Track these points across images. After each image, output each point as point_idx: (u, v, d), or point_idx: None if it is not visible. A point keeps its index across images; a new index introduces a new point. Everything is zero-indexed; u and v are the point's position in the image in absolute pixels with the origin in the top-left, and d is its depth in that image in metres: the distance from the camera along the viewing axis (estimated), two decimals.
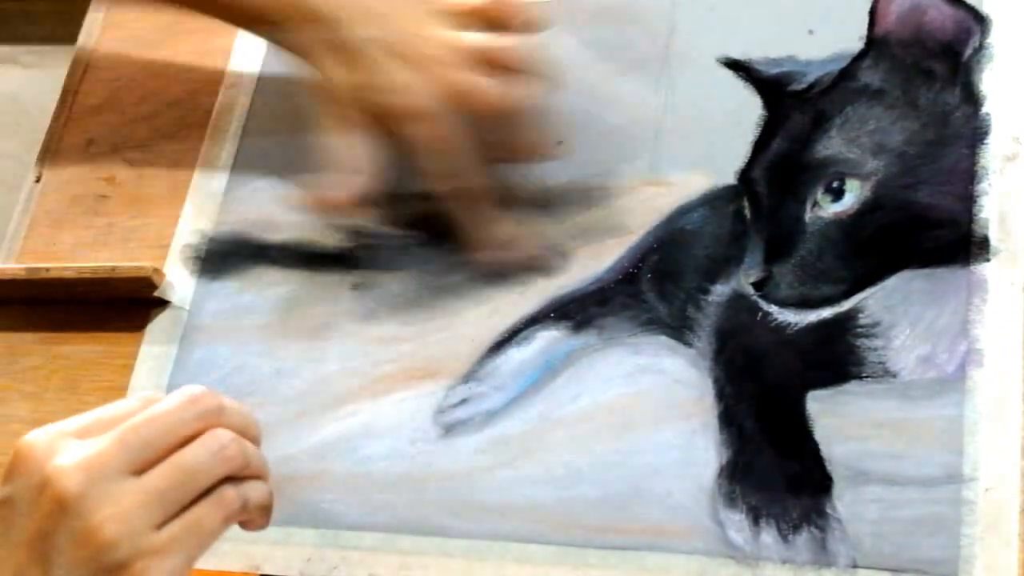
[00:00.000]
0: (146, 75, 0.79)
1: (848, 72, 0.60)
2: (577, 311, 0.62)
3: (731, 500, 0.55)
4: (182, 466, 0.48)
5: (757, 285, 0.58)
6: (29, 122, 0.85)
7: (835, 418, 0.54)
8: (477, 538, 0.58)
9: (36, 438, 0.48)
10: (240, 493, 0.50)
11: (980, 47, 0.58)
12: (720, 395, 0.57)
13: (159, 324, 0.69)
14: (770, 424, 0.56)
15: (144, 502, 0.47)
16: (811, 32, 0.63)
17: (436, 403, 0.62)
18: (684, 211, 0.62)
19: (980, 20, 0.59)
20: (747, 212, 0.60)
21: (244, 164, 0.73)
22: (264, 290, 0.69)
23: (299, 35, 0.66)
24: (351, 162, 0.63)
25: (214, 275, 0.70)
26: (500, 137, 0.63)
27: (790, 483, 0.54)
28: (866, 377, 0.55)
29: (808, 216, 0.58)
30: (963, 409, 0.53)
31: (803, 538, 0.53)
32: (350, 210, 0.65)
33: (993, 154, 0.56)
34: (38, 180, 0.79)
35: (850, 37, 0.61)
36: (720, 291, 0.59)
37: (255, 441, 0.52)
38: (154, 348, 0.69)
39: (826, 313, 0.56)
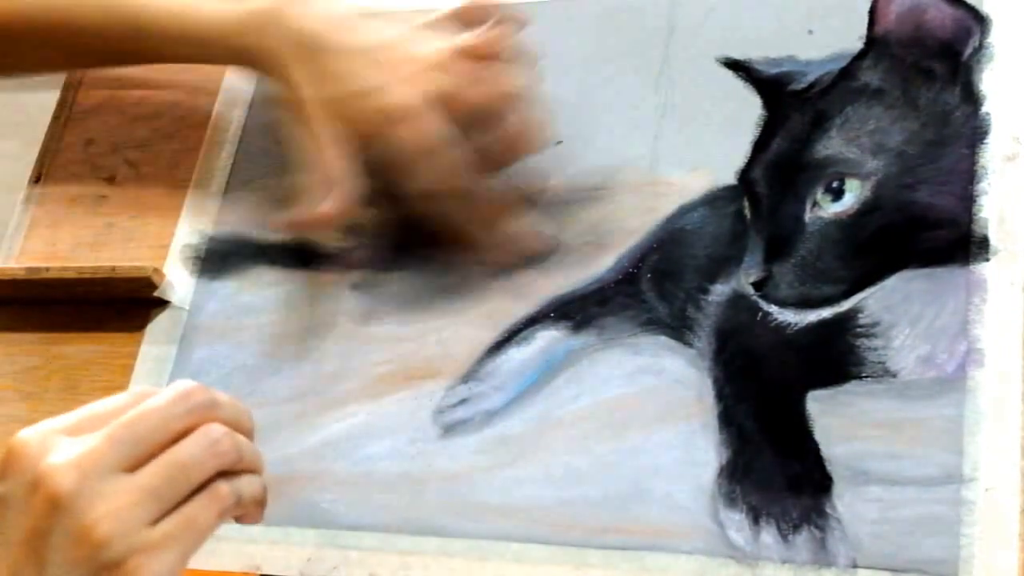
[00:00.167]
0: (146, 75, 0.79)
1: (848, 72, 0.60)
2: (577, 311, 0.62)
3: (731, 500, 0.55)
4: (175, 462, 0.48)
5: (757, 285, 0.58)
6: (29, 122, 0.85)
7: (835, 418, 0.54)
8: (477, 538, 0.58)
9: (28, 436, 0.48)
10: (234, 488, 0.50)
11: (980, 47, 0.58)
12: (720, 395, 0.57)
13: (159, 324, 0.69)
14: (770, 424, 0.56)
15: (138, 499, 0.47)
16: (811, 32, 0.63)
17: (436, 403, 0.62)
18: (684, 211, 0.62)
19: (980, 20, 0.59)
20: (747, 212, 0.60)
21: (244, 164, 0.73)
22: (264, 290, 0.69)
23: (266, 52, 0.65)
24: (329, 178, 0.62)
25: (214, 275, 0.70)
26: (488, 137, 0.63)
27: (790, 483, 0.54)
28: (866, 377, 0.55)
29: (808, 216, 0.58)
30: (963, 409, 0.53)
31: (803, 538, 0.53)
32: (332, 227, 0.65)
33: (993, 154, 0.56)
34: (38, 180, 0.79)
35: (850, 37, 0.61)
36: (720, 291, 0.59)
37: (248, 434, 0.51)
38: (154, 348, 0.69)
39: (826, 313, 0.56)
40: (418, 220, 0.65)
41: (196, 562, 0.62)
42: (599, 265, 0.62)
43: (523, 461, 0.59)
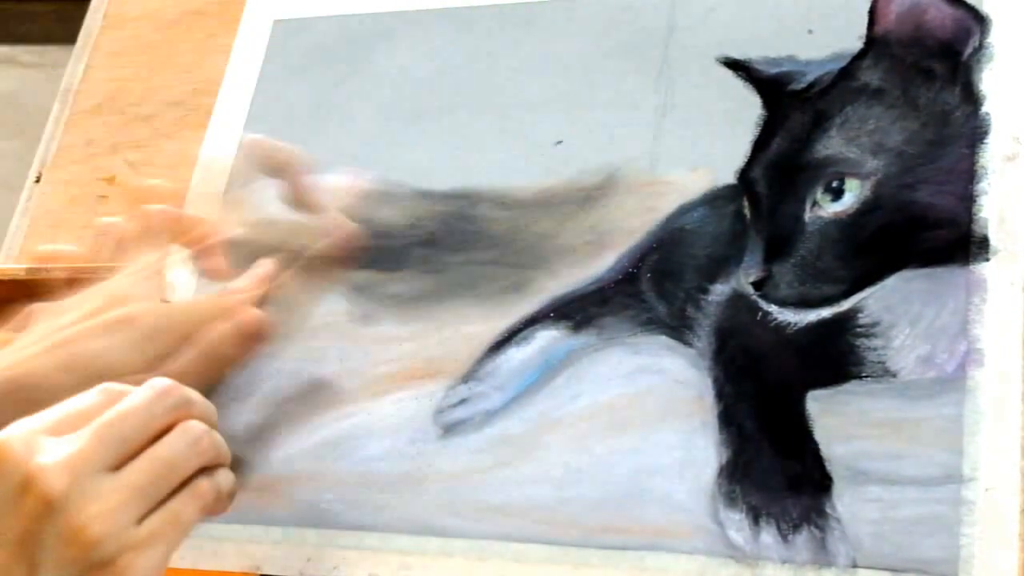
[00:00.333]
0: (146, 75, 0.80)
1: (848, 72, 0.60)
2: (577, 311, 0.62)
3: (731, 500, 0.55)
4: (160, 460, 0.49)
5: (757, 285, 0.58)
6: (29, 122, 0.85)
7: (835, 418, 0.54)
8: (477, 538, 0.58)
9: (11, 437, 0.48)
10: (213, 483, 0.51)
11: (980, 46, 0.58)
12: (720, 395, 0.57)
13: None
14: (770, 424, 0.56)
15: (127, 498, 0.47)
16: (811, 32, 0.63)
17: (436, 403, 0.62)
18: (684, 211, 0.62)
19: (980, 19, 0.59)
20: (747, 212, 0.60)
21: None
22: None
23: None
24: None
25: None
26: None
27: (790, 483, 0.54)
28: (866, 377, 0.55)
29: (808, 216, 0.58)
30: (963, 409, 0.53)
31: (803, 538, 0.53)
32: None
33: (993, 154, 0.56)
34: (38, 180, 0.79)
35: (850, 37, 0.61)
36: (720, 291, 0.59)
37: (215, 428, 0.52)
38: None
39: (826, 313, 0.56)
40: (420, 219, 0.66)
41: (196, 562, 0.62)
42: (599, 265, 0.62)
43: (523, 461, 0.59)
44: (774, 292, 0.57)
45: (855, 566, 0.52)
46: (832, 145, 0.58)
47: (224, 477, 0.52)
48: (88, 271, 0.70)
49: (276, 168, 0.66)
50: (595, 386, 0.59)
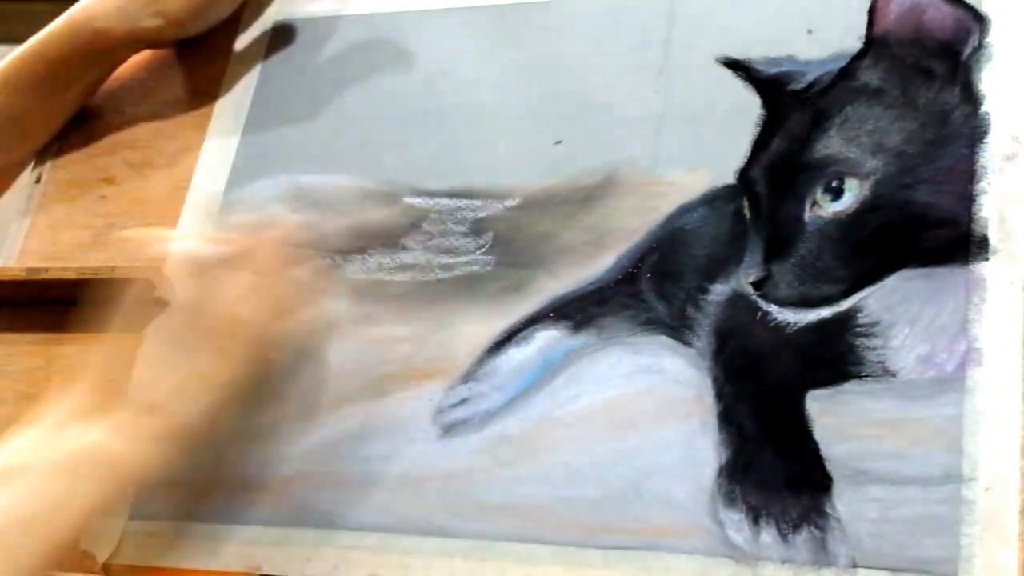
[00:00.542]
0: (146, 75, 0.80)
1: (847, 71, 0.60)
2: (577, 311, 0.62)
3: (731, 500, 0.55)
4: (300, 278, 0.61)
5: (756, 284, 0.58)
6: None
7: (835, 418, 0.54)
8: (477, 538, 0.58)
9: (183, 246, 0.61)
10: (328, 305, 0.63)
11: (979, 46, 0.58)
12: (720, 395, 0.57)
13: None
14: (770, 424, 0.56)
15: (270, 299, 0.59)
16: (810, 32, 0.63)
17: (436, 403, 0.62)
18: (684, 211, 0.62)
19: (979, 19, 0.59)
20: (747, 212, 0.60)
21: (244, 163, 0.73)
22: None
23: None
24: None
25: None
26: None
27: (790, 483, 0.54)
28: (866, 376, 0.55)
29: (807, 215, 0.58)
30: (963, 409, 0.53)
31: (803, 538, 0.53)
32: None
33: (992, 153, 0.56)
34: (38, 180, 0.79)
35: (849, 37, 0.61)
36: (720, 291, 0.59)
37: None
38: None
39: (825, 312, 0.56)
40: (418, 220, 0.66)
41: (196, 562, 0.62)
42: (599, 265, 0.62)
43: (523, 461, 0.59)
44: (774, 292, 0.57)
45: (855, 566, 0.52)
46: (832, 145, 0.58)
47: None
48: (88, 271, 0.70)
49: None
50: (595, 386, 0.59)
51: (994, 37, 0.58)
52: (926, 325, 0.54)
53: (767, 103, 0.62)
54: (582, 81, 0.67)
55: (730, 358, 0.58)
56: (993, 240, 0.55)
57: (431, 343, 0.64)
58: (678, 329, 0.59)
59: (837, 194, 0.57)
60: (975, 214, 0.55)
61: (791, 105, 0.61)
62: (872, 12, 0.61)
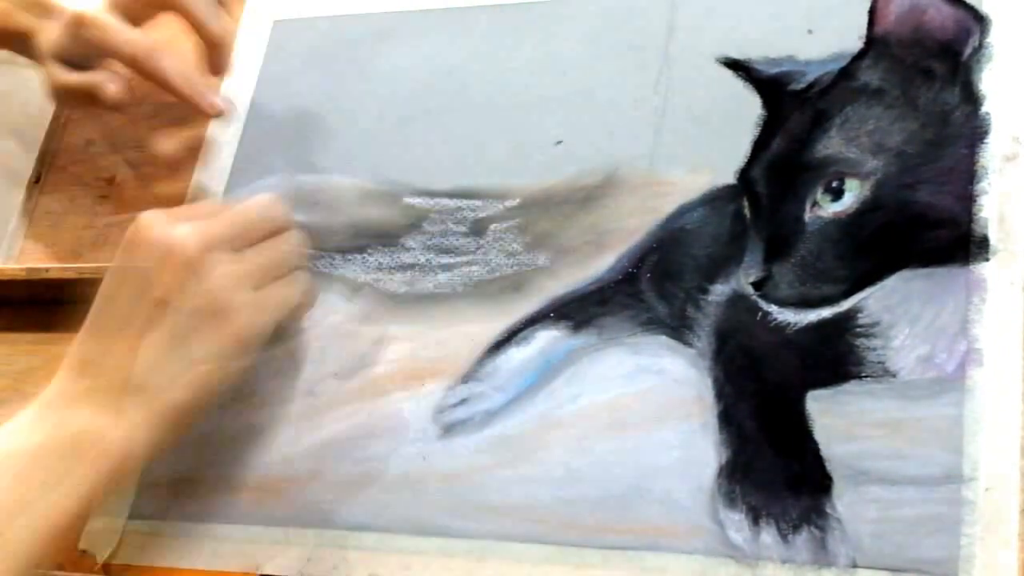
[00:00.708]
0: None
1: (847, 72, 0.60)
2: (577, 311, 0.62)
3: (731, 500, 0.55)
4: (274, 249, 0.61)
5: (757, 285, 0.58)
6: (29, 122, 0.85)
7: (835, 418, 0.54)
8: (477, 538, 0.58)
9: (152, 215, 0.60)
10: (308, 277, 0.64)
11: (979, 46, 0.58)
12: (720, 395, 0.57)
13: None
14: (770, 424, 0.56)
15: (247, 270, 0.59)
16: (810, 32, 0.63)
17: (436, 403, 0.62)
18: (684, 211, 0.62)
19: (979, 19, 0.59)
20: (747, 212, 0.60)
21: (244, 163, 0.73)
22: None
23: None
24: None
25: None
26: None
27: (790, 483, 0.54)
28: (866, 377, 0.55)
29: (808, 216, 0.58)
30: (963, 409, 0.53)
31: (803, 538, 0.53)
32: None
33: (993, 154, 0.56)
34: (38, 180, 0.79)
35: (849, 37, 0.61)
36: (720, 291, 0.59)
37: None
38: None
39: (825, 313, 0.56)
40: (419, 220, 0.66)
41: (196, 562, 0.62)
42: (599, 265, 0.62)
43: (523, 461, 0.59)
44: (774, 292, 0.57)
45: (855, 566, 0.52)
46: (832, 145, 0.58)
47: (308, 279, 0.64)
48: (88, 271, 0.70)
49: None
50: (595, 386, 0.59)
51: (994, 37, 0.58)
52: (926, 325, 0.54)
53: (767, 103, 0.62)
54: (582, 81, 0.67)
55: (730, 358, 0.58)
56: (993, 240, 0.55)
57: (431, 343, 0.64)
58: (678, 329, 0.59)
59: (837, 194, 0.57)
60: (975, 214, 0.55)
61: (791, 105, 0.61)
62: (872, 12, 0.61)
